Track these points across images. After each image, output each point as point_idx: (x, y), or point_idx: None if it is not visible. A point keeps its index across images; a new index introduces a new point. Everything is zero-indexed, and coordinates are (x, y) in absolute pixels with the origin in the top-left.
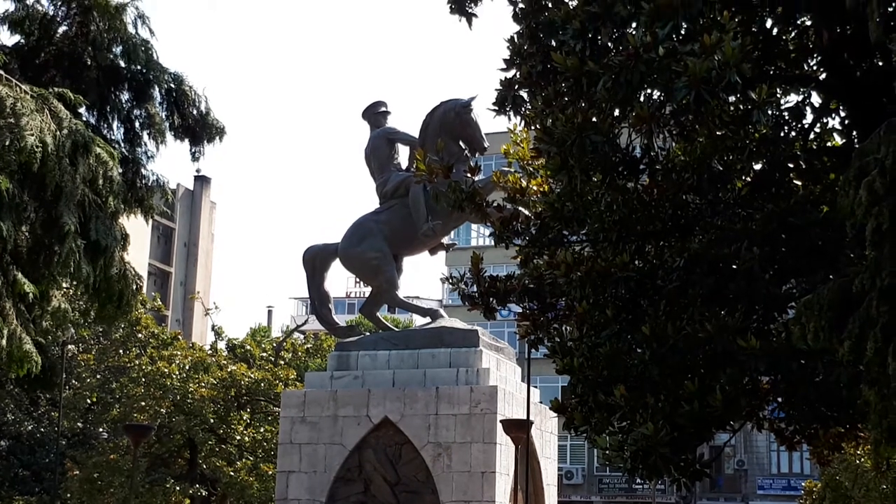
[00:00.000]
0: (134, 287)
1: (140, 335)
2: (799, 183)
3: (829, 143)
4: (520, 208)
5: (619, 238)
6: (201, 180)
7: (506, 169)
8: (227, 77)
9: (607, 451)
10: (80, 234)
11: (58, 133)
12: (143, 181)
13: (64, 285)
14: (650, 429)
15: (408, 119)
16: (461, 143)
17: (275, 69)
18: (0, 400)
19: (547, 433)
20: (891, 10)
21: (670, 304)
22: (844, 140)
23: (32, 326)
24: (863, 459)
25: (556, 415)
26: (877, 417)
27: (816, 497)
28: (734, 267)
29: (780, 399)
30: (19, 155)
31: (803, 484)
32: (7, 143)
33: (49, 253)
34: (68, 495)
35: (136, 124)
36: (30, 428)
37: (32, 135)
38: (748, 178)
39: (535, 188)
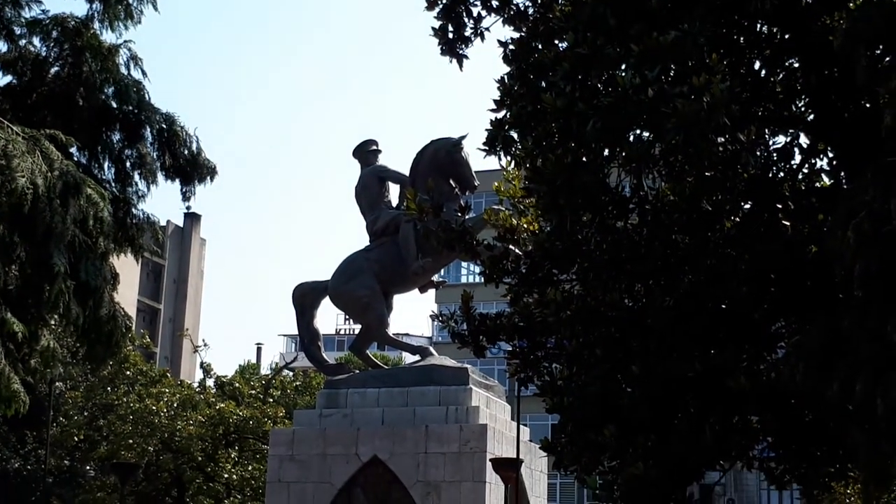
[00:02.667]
0: (123, 328)
1: (128, 372)
2: (788, 223)
3: (817, 184)
4: (510, 247)
5: (609, 277)
6: (191, 217)
7: (496, 207)
8: (218, 114)
9: (597, 491)
10: (69, 275)
11: (49, 174)
12: (134, 220)
13: (53, 324)
14: (640, 468)
15: (398, 158)
16: (451, 181)
17: (267, 108)
18: None
19: (537, 472)
20: (877, 52)
21: (660, 343)
22: (832, 181)
23: (21, 366)
24: (853, 499)
25: (545, 454)
26: (865, 457)
27: None
28: (724, 307)
29: (770, 438)
30: (10, 197)
31: None
32: None
33: (38, 293)
34: None
35: (128, 164)
36: (16, 466)
37: (23, 176)
38: (737, 219)
39: (525, 227)
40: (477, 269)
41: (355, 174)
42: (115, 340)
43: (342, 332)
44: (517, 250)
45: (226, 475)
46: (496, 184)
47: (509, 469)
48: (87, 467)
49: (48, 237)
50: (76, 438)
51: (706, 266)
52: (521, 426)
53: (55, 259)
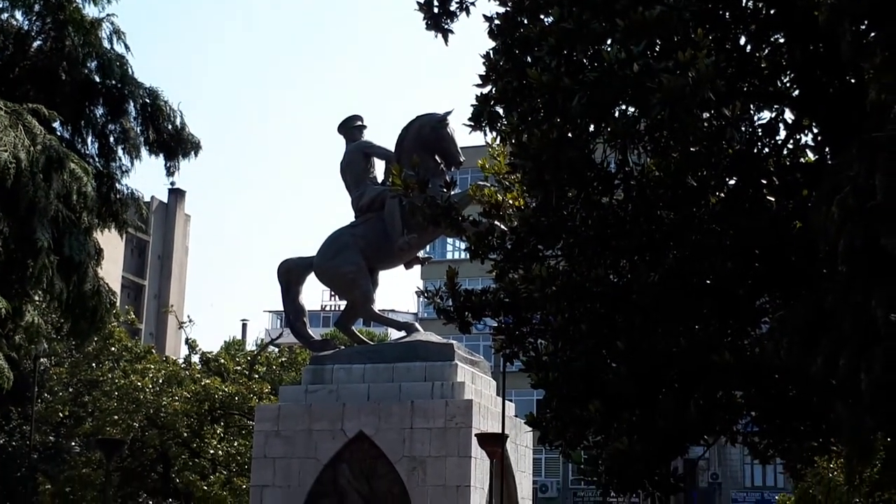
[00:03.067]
0: (107, 303)
1: (113, 349)
2: (772, 199)
3: (802, 160)
4: (495, 223)
5: (595, 253)
6: (175, 193)
7: (482, 183)
8: (202, 89)
9: (582, 465)
10: (53, 250)
11: (32, 149)
12: (118, 196)
13: (37, 300)
14: (624, 443)
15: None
16: (437, 157)
17: (251, 82)
18: None
19: (522, 447)
20: (862, 28)
21: (645, 319)
22: (817, 156)
23: (5, 341)
24: (835, 473)
25: (531, 429)
26: (849, 433)
27: None
28: (708, 282)
29: (753, 413)
30: None
31: (776, 497)
32: None
33: (22, 268)
34: None
35: (111, 139)
36: (1, 442)
37: (6, 150)
38: (722, 194)
39: (510, 203)
40: (462, 246)
41: (341, 150)
42: (99, 315)
43: (328, 308)
44: (502, 226)
45: (211, 451)
46: (481, 160)
47: (495, 444)
48: (73, 443)
49: (31, 212)
50: (61, 414)
51: (691, 242)
52: (507, 401)
53: (38, 234)
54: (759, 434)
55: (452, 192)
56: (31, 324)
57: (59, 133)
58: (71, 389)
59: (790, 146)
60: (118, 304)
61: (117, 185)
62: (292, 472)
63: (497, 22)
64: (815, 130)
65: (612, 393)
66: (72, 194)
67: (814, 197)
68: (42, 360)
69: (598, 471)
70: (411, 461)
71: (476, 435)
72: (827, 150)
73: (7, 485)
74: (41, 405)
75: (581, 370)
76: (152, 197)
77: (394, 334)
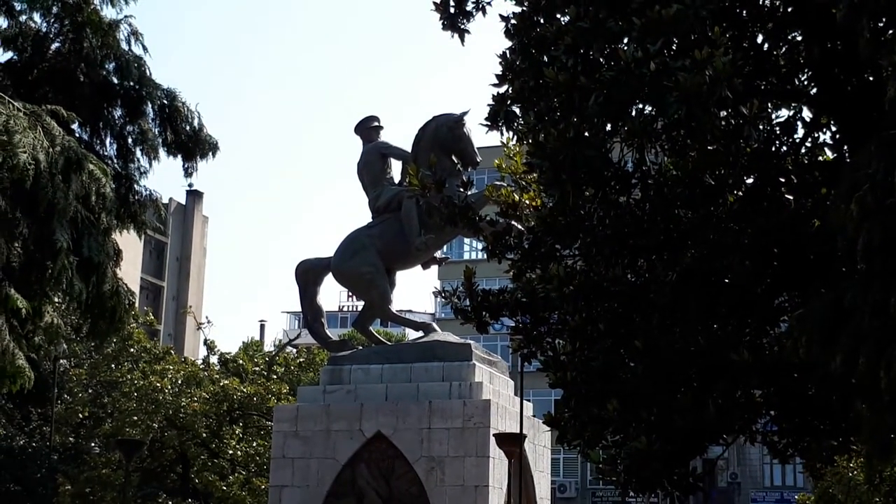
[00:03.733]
0: (126, 303)
1: (132, 350)
2: (790, 197)
3: (820, 158)
4: (512, 222)
5: (612, 252)
6: (193, 195)
7: (499, 183)
8: (220, 91)
9: (600, 465)
10: (72, 251)
11: (51, 150)
12: (136, 197)
13: (56, 301)
14: (643, 442)
15: (400, 134)
16: (454, 157)
17: (269, 83)
18: None
19: (540, 447)
20: (880, 25)
21: (663, 318)
22: (835, 154)
23: (25, 342)
24: (856, 472)
25: (549, 428)
26: (869, 431)
27: None
28: (726, 281)
29: (773, 412)
30: (12, 172)
31: (796, 497)
32: (0, 160)
33: (42, 269)
34: None
35: (129, 140)
36: (21, 443)
37: (25, 152)
38: (740, 193)
39: (527, 202)
40: (479, 246)
41: (358, 150)
42: (118, 316)
43: (345, 308)
44: (519, 226)
45: (230, 451)
46: (497, 160)
47: (513, 444)
48: (92, 444)
49: (51, 213)
50: (81, 415)
51: (709, 240)
52: (525, 401)
53: (58, 235)
54: (778, 433)
55: (469, 193)
56: (51, 324)
57: (77, 135)
58: (90, 391)
59: (808, 144)
60: (137, 305)
61: (136, 186)
62: (311, 472)
63: (513, 21)
64: (834, 128)
65: (630, 392)
66: (91, 195)
67: (832, 195)
68: (62, 361)
69: (616, 470)
70: (429, 461)
71: (494, 435)
72: (845, 148)
73: (27, 485)
74: (61, 406)
75: (599, 369)
76: (170, 199)
77: (411, 335)
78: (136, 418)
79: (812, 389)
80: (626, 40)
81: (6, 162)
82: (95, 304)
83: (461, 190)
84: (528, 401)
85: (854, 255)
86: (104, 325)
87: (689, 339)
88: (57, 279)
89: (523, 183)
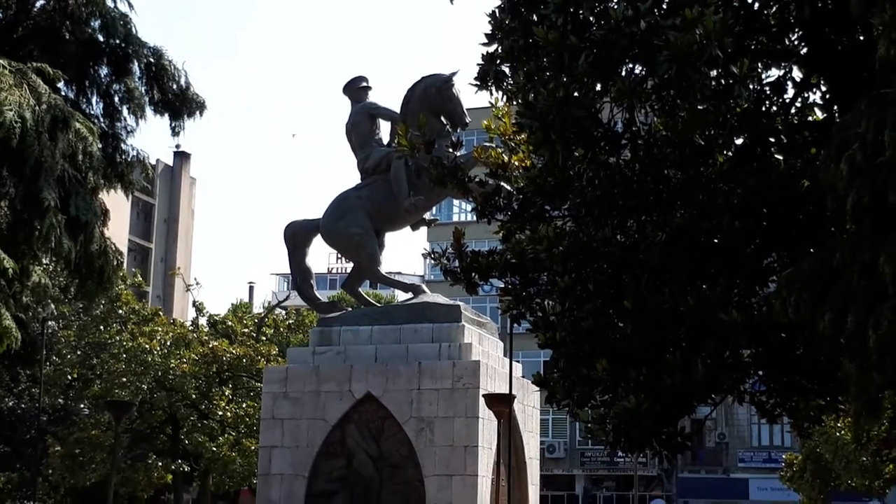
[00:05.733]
0: (115, 263)
1: (121, 311)
2: (780, 157)
3: (810, 118)
4: (502, 183)
5: (602, 213)
6: (181, 156)
7: (487, 144)
8: (206, 51)
9: (589, 425)
10: (60, 210)
11: (37, 108)
12: (123, 156)
13: (44, 261)
14: (632, 402)
15: (389, 94)
16: (443, 118)
17: (255, 43)
18: None
19: (529, 407)
20: None
21: (652, 278)
22: (825, 115)
23: (13, 302)
24: (843, 432)
25: (538, 389)
26: (857, 390)
27: (797, 469)
28: (716, 241)
29: (761, 372)
30: None
31: (784, 456)
32: None
33: (29, 229)
34: (50, 471)
35: (116, 99)
36: (10, 404)
37: (11, 110)
38: (729, 153)
39: (517, 163)
40: (469, 208)
41: (346, 111)
42: (106, 276)
43: (334, 270)
44: (509, 187)
45: (220, 413)
46: (486, 121)
47: (502, 404)
48: (81, 405)
49: (37, 172)
50: (70, 377)
51: (698, 201)
52: (514, 362)
53: (45, 193)
54: (766, 393)
55: (458, 153)
56: (38, 284)
57: (63, 93)
58: (79, 352)
59: (798, 104)
60: (125, 266)
61: (122, 145)
62: (301, 432)
63: None
64: (824, 88)
65: (619, 352)
66: (77, 154)
67: (822, 154)
68: (50, 323)
69: (605, 430)
70: (419, 422)
71: (483, 396)
72: (835, 108)
73: (16, 447)
74: (50, 368)
75: (588, 330)
76: (157, 160)
77: (400, 296)
78: (125, 380)
79: (800, 349)
80: None
81: None
82: (83, 263)
83: (450, 151)
84: (518, 362)
85: (843, 215)
86: (92, 285)
87: (679, 300)
88: (45, 238)
89: (512, 144)
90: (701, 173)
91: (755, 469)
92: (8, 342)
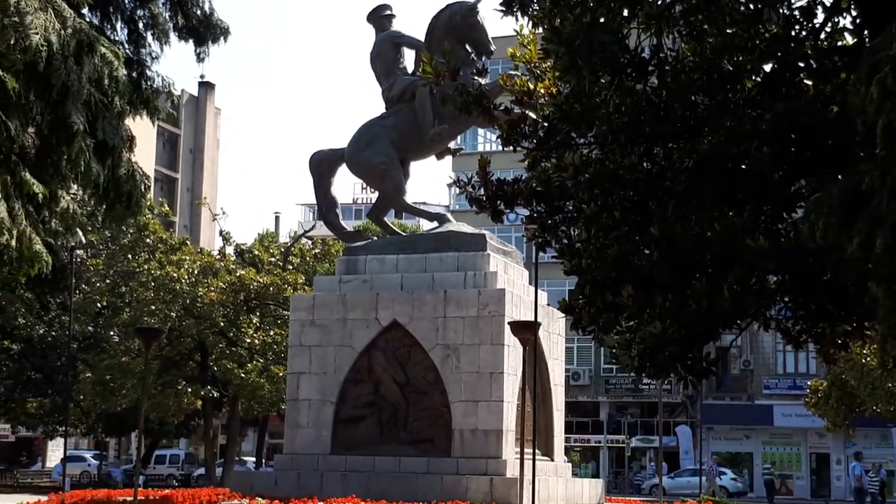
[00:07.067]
0: (143, 187)
1: (148, 240)
2: (809, 83)
3: (840, 43)
4: (527, 111)
5: (628, 140)
6: (205, 86)
7: (513, 72)
8: None
9: (615, 350)
10: (88, 134)
11: (62, 32)
12: (149, 83)
13: (73, 188)
14: (658, 328)
15: (413, 23)
16: (467, 46)
17: None
18: (11, 304)
19: (554, 335)
20: None
21: (679, 205)
22: (855, 39)
23: (41, 227)
24: (869, 358)
25: (563, 316)
26: (884, 314)
27: (822, 396)
28: (743, 167)
29: (787, 298)
30: (24, 54)
31: (809, 383)
32: (12, 41)
33: (57, 153)
34: (81, 397)
35: (140, 25)
36: (41, 332)
37: (37, 33)
38: (758, 79)
39: (542, 91)
40: (494, 137)
41: (371, 39)
42: (135, 200)
43: (359, 201)
44: (534, 115)
45: (248, 340)
46: (511, 49)
47: (527, 331)
48: (111, 332)
49: (65, 96)
50: (99, 305)
51: (726, 127)
52: (539, 290)
53: (73, 118)
54: (792, 319)
55: (484, 81)
56: (67, 210)
57: (87, 18)
58: (108, 280)
59: (828, 29)
60: (152, 196)
61: (147, 72)
62: (328, 359)
63: None
64: (854, 13)
65: (645, 278)
66: (103, 78)
67: (852, 79)
68: (78, 252)
69: (630, 355)
70: (445, 349)
71: (509, 323)
72: (866, 32)
73: (47, 373)
74: (79, 296)
75: (614, 256)
76: (182, 90)
77: (426, 225)
78: (153, 307)
79: (828, 274)
80: None
81: (18, 43)
82: (112, 187)
83: (476, 78)
84: (543, 290)
85: (873, 139)
86: (121, 209)
87: (705, 226)
88: (74, 162)
89: (538, 71)
90: (729, 99)
91: (780, 396)
92: (38, 266)
